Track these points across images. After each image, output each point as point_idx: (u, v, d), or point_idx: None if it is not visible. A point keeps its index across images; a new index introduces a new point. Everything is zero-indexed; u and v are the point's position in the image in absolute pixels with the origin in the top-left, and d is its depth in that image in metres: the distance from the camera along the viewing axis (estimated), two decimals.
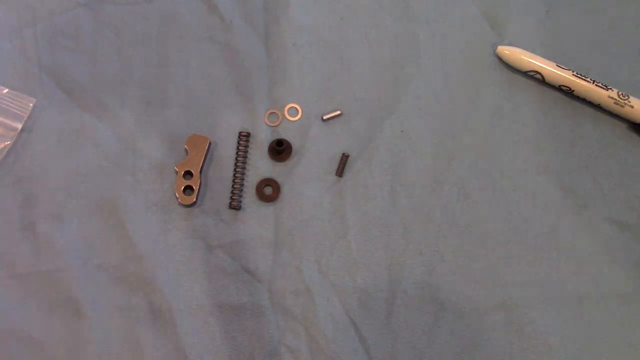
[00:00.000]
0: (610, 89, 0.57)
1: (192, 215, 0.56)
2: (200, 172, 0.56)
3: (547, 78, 0.58)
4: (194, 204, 0.55)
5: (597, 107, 0.58)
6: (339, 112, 0.58)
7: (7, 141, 0.56)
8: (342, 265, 0.55)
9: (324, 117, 0.58)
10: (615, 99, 0.57)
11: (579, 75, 0.57)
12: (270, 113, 0.58)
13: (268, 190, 0.56)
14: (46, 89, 0.58)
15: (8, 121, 0.56)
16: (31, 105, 0.57)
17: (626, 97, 0.57)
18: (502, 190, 0.57)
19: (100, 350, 0.53)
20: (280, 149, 0.56)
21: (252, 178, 0.57)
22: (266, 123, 0.58)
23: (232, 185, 0.56)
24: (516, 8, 0.61)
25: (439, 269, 0.55)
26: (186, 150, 0.56)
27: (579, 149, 0.58)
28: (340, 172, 0.56)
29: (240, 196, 0.56)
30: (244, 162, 0.57)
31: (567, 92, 0.58)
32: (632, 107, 0.57)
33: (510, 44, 0.59)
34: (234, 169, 0.56)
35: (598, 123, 0.59)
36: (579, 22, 0.61)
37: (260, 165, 0.57)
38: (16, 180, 0.55)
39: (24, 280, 0.54)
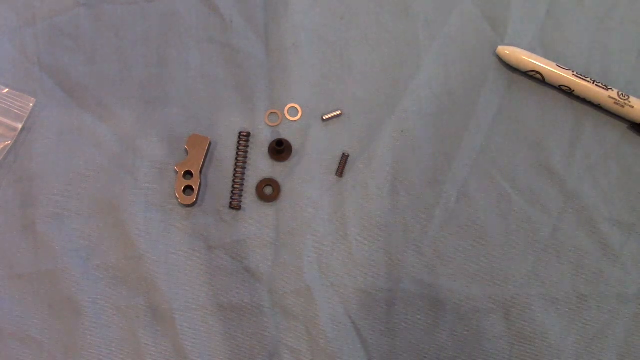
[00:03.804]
0: (610, 89, 0.57)
1: (192, 215, 0.56)
2: (200, 172, 0.56)
3: (547, 78, 0.58)
4: (194, 204, 0.55)
5: (597, 107, 0.58)
6: (339, 112, 0.58)
7: (8, 141, 0.56)
8: (343, 265, 0.55)
9: (324, 117, 0.58)
10: (615, 99, 0.57)
11: (579, 75, 0.57)
12: (270, 113, 0.58)
13: (268, 190, 0.56)
14: (46, 88, 0.58)
15: (8, 121, 0.56)
16: (31, 105, 0.57)
17: (626, 97, 0.57)
18: (502, 190, 0.57)
19: (100, 350, 0.53)
20: (280, 149, 0.56)
21: (252, 178, 0.57)
22: (266, 123, 0.58)
23: (233, 185, 0.56)
24: (516, 8, 0.61)
25: (439, 269, 0.55)
26: (186, 150, 0.56)
27: (579, 149, 0.58)
28: (340, 172, 0.56)
29: (241, 196, 0.56)
30: (244, 162, 0.57)
31: (567, 92, 0.58)
32: (632, 107, 0.57)
33: (510, 44, 0.59)
34: (234, 169, 0.56)
35: (598, 123, 0.59)
36: (579, 22, 0.61)
37: (261, 165, 0.57)
38: (16, 180, 0.55)
39: (24, 280, 0.54)
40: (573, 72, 0.58)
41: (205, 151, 0.56)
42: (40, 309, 0.53)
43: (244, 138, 0.57)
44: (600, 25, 0.61)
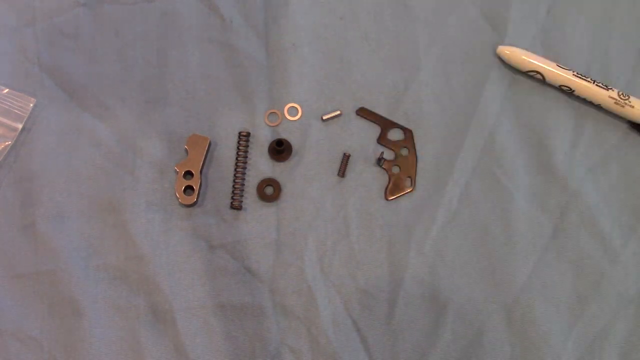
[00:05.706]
0: (610, 89, 0.57)
1: (193, 215, 0.55)
2: (201, 172, 0.56)
3: (548, 78, 0.58)
4: (194, 204, 0.55)
5: (598, 107, 0.58)
6: (339, 112, 0.58)
7: (8, 141, 0.56)
8: (344, 265, 0.55)
9: (324, 117, 0.58)
10: (616, 99, 0.57)
11: (579, 75, 0.58)
12: (270, 113, 0.58)
13: (269, 190, 0.56)
14: (46, 88, 0.57)
15: (8, 121, 0.56)
16: (31, 105, 0.57)
17: (626, 97, 0.57)
18: (503, 191, 0.57)
19: (100, 350, 0.53)
20: (280, 149, 0.56)
21: (253, 178, 0.57)
22: (266, 123, 0.58)
23: (233, 185, 0.56)
24: (516, 8, 0.61)
25: (440, 269, 0.55)
26: (186, 150, 0.56)
27: (580, 149, 0.58)
28: (342, 172, 0.56)
29: (242, 196, 0.56)
30: (245, 162, 0.56)
31: (567, 92, 0.58)
32: (632, 107, 0.57)
33: (510, 44, 0.59)
34: (235, 169, 0.56)
35: (598, 123, 0.59)
36: (579, 22, 0.61)
37: (261, 165, 0.57)
38: (16, 180, 0.55)
39: (24, 280, 0.54)
40: (573, 72, 0.58)
41: (205, 151, 0.56)
42: (40, 309, 0.53)
43: (244, 138, 0.57)
44: (600, 25, 0.61)
